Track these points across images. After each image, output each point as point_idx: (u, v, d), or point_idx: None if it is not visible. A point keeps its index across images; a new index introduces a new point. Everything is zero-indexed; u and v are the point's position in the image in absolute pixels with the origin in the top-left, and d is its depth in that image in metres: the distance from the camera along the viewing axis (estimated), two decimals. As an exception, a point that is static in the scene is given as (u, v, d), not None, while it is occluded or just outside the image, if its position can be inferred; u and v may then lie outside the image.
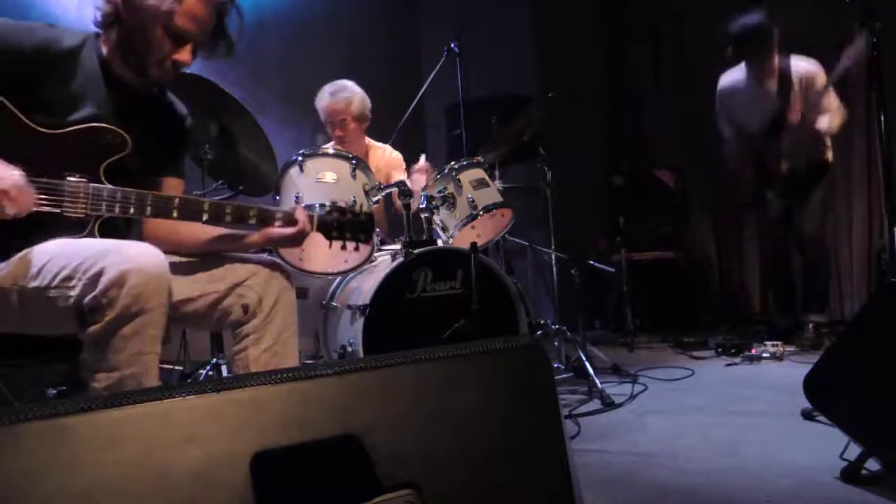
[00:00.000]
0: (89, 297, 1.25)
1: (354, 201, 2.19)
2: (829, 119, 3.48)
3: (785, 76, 3.52)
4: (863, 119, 4.16)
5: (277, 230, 1.62)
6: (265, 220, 1.61)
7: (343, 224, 1.69)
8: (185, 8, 1.46)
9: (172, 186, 1.69)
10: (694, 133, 4.95)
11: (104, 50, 1.52)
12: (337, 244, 1.72)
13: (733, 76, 3.73)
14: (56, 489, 0.63)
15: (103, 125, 1.46)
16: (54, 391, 2.46)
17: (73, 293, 1.27)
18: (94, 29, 1.53)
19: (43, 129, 1.40)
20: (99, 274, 1.24)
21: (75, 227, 1.41)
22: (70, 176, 1.39)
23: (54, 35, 1.45)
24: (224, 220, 1.55)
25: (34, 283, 1.31)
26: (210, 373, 2.56)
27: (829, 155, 3.62)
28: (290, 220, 1.63)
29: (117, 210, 1.43)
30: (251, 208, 1.58)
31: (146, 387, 1.30)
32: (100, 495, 0.64)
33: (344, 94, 2.92)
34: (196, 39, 1.51)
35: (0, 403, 2.04)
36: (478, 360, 0.86)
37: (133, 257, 1.27)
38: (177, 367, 2.61)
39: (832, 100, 3.49)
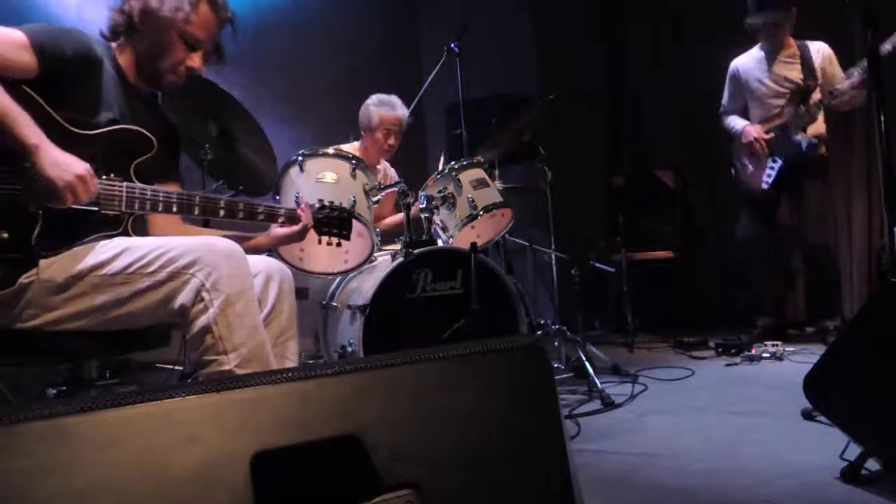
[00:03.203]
0: (192, 284, 1.37)
1: (354, 201, 2.22)
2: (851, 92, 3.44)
3: (805, 57, 3.56)
4: (863, 119, 4.16)
5: (284, 230, 1.76)
6: (272, 216, 1.73)
7: (331, 220, 1.84)
8: (199, 18, 1.58)
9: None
10: (694, 133, 4.95)
11: (119, 58, 1.62)
12: (325, 239, 1.87)
13: (747, 55, 3.81)
14: (56, 489, 0.63)
15: (132, 127, 1.54)
16: (54, 391, 2.46)
17: (156, 279, 1.39)
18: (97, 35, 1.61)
19: (76, 130, 1.46)
20: (192, 263, 1.39)
21: (111, 225, 1.50)
22: (104, 175, 1.47)
23: (88, 41, 1.53)
24: (237, 217, 1.66)
25: (102, 272, 1.40)
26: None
27: (824, 150, 3.62)
28: (291, 216, 1.76)
29: (148, 207, 1.52)
30: (259, 206, 1.70)
31: (269, 359, 1.43)
32: (100, 495, 0.64)
33: (404, 109, 3.05)
34: (206, 48, 1.64)
35: (0, 403, 2.04)
36: (478, 360, 0.86)
37: (217, 247, 1.42)
38: (177, 368, 2.60)
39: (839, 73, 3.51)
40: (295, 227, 1.76)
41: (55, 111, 1.43)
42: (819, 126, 3.58)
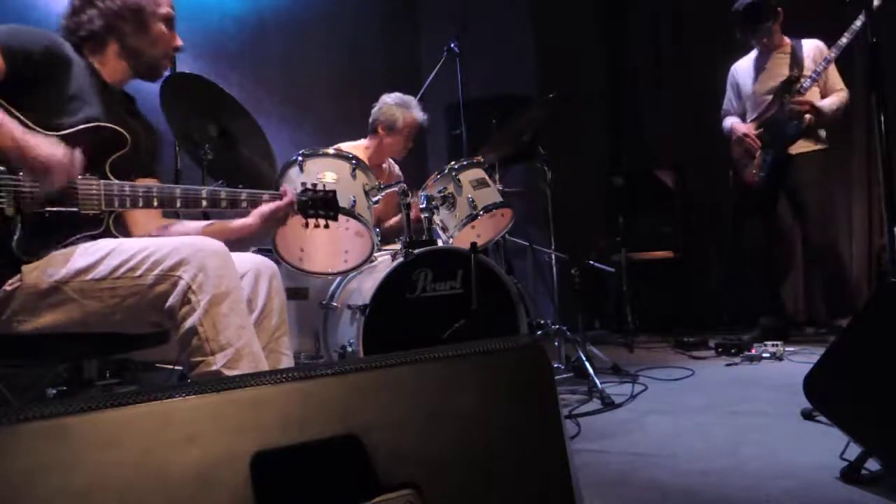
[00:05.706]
0: (180, 286, 1.35)
1: (354, 201, 2.22)
2: (830, 100, 3.55)
3: (795, 52, 3.62)
4: (863, 119, 4.16)
5: (268, 206, 1.72)
6: (255, 203, 1.72)
7: (315, 201, 1.83)
8: None
9: None
10: (694, 133, 4.95)
11: (91, 58, 1.60)
12: (311, 223, 1.85)
13: (744, 60, 3.89)
14: (56, 489, 0.63)
15: (105, 124, 1.52)
16: (54, 391, 2.46)
17: (143, 282, 1.38)
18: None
19: (46, 132, 1.43)
20: (179, 264, 1.36)
21: (92, 224, 1.48)
22: (80, 175, 1.44)
23: (58, 42, 1.52)
24: (219, 206, 1.66)
25: (87, 276, 1.38)
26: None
27: (821, 140, 3.62)
28: (275, 198, 1.74)
29: (128, 204, 1.50)
30: (242, 192, 1.70)
31: (259, 356, 1.42)
32: (100, 495, 0.64)
33: (420, 108, 3.04)
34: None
35: (0, 403, 2.04)
36: (478, 360, 0.86)
37: (202, 246, 1.40)
38: (177, 368, 2.61)
39: (836, 78, 3.58)
40: (280, 203, 1.72)
41: (24, 113, 1.40)
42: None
